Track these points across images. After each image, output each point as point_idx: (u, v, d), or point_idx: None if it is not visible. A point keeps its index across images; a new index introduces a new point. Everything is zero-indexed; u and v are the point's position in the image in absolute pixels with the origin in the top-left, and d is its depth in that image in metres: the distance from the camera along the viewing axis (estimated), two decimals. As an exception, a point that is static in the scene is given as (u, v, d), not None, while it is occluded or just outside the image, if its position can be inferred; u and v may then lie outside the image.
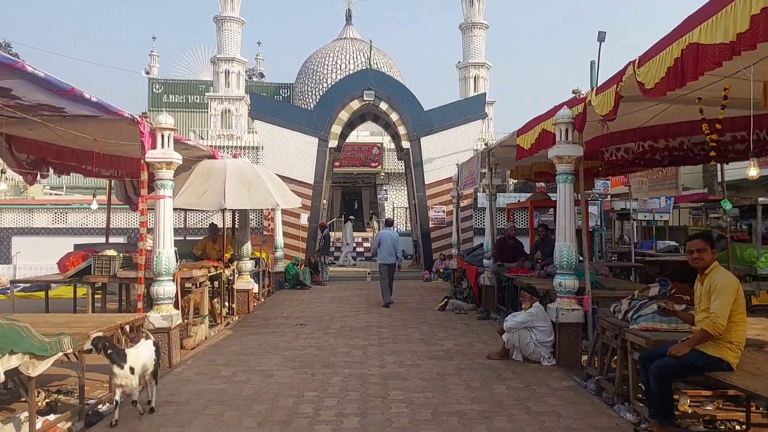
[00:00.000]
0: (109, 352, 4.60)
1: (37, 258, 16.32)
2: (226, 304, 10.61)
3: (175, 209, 9.14)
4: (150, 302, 6.87)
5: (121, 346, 5.00)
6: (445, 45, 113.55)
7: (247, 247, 10.87)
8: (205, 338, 8.57)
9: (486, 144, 10.53)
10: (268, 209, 16.75)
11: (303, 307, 11.62)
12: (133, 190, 10.64)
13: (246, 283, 10.85)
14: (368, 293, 13.68)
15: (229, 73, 31.15)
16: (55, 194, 24.94)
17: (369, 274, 17.11)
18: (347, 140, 24.05)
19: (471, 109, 17.31)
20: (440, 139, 17.15)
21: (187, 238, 13.54)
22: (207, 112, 31.30)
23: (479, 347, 7.72)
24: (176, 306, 7.81)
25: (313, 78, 32.10)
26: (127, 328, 6.04)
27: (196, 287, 8.66)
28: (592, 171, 11.62)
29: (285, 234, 16.47)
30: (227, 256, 10.08)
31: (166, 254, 6.67)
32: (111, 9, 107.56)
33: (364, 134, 28.60)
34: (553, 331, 6.80)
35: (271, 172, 10.34)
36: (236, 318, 10.39)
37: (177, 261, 8.34)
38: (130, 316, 6.27)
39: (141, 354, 4.91)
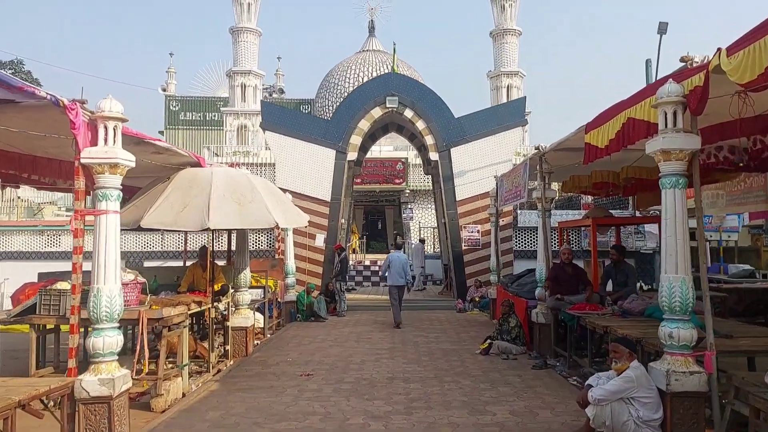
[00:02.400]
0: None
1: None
2: (220, 345, 8.69)
3: (147, 230, 7.32)
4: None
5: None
6: (474, 54, 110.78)
7: (246, 275, 8.96)
8: (183, 395, 6.63)
9: (539, 147, 8.47)
10: (278, 229, 14.88)
11: (314, 346, 9.62)
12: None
13: (244, 318, 8.91)
14: (392, 328, 11.61)
15: (245, 86, 29.69)
16: (68, 216, 23.56)
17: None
18: (369, 155, 22.25)
19: (509, 114, 15.28)
20: (473, 150, 15.13)
21: (187, 264, 11.70)
22: (223, 128, 29.88)
23: (545, 417, 5.61)
24: (142, 356, 5.95)
25: (334, 92, 30.46)
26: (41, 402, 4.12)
27: (169, 329, 6.73)
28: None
29: (299, 257, 14.57)
30: (216, 286, 8.16)
31: (108, 293, 4.76)
32: (128, 26, 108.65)
33: (388, 149, 26.74)
34: (661, 404, 4.67)
35: (271, 183, 8.48)
36: (231, 362, 8.44)
37: (147, 294, 6.51)
38: (49, 382, 4.36)
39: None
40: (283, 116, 15.58)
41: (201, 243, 15.33)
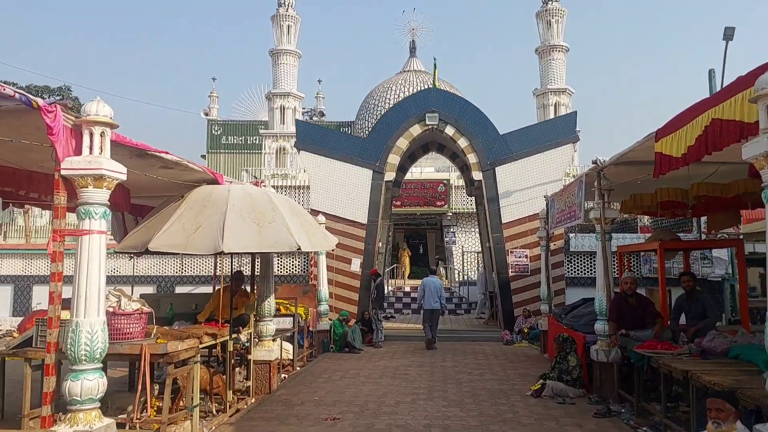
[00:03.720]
0: None
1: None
2: (242, 380, 7.92)
3: (156, 253, 6.65)
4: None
5: None
6: (519, 72, 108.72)
7: (270, 304, 8.19)
8: (193, 441, 5.85)
9: (596, 161, 7.47)
10: (312, 252, 14.16)
11: (344, 383, 8.73)
12: (134, 222, 8.21)
13: (267, 351, 8.11)
14: (432, 362, 10.62)
15: (284, 109, 29.48)
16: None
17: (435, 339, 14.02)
18: (409, 177, 21.44)
19: (559, 130, 14.21)
20: (520, 168, 14.10)
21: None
22: (262, 151, 29.73)
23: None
24: (143, 396, 5.22)
25: (374, 113, 29.93)
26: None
27: (176, 366, 5.98)
28: (743, 198, 8.32)
29: (335, 283, 13.77)
30: (237, 313, 7.40)
31: (89, 327, 4.04)
32: (172, 50, 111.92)
33: (429, 170, 25.86)
34: (777, 484, 3.58)
35: (294, 202, 7.69)
36: (252, 401, 7.64)
37: (154, 325, 5.80)
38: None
39: None
40: (318, 135, 14.96)
41: (238, 267, 14.84)
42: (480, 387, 8.34)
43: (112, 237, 8.40)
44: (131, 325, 5.73)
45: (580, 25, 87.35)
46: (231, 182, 7.21)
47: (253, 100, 36.39)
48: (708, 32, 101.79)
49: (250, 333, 7.85)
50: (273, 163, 28.88)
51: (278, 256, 15.38)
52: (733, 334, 6.75)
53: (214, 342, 6.46)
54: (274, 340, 8.70)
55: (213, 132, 33.81)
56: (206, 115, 35.17)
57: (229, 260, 12.98)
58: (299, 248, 6.40)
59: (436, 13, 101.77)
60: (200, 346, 6.19)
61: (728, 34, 12.19)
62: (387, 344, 12.83)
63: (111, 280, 14.87)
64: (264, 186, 8.31)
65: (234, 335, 7.23)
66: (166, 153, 5.54)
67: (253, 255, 8.27)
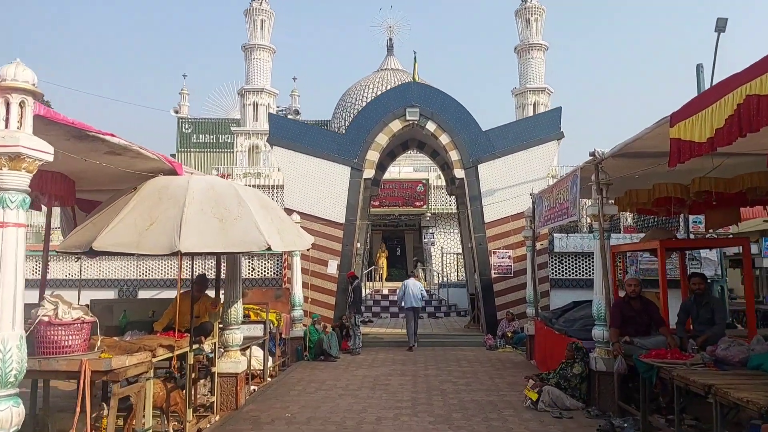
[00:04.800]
0: None
1: None
2: (206, 393, 7.12)
3: (106, 253, 5.82)
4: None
5: None
6: (498, 71, 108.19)
7: (237, 310, 7.40)
8: (143, 470, 5.05)
9: (594, 153, 6.89)
10: (285, 254, 13.36)
11: (320, 396, 7.98)
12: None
13: (233, 363, 7.33)
14: (414, 370, 9.93)
15: (257, 105, 28.55)
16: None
17: (415, 340, 13.34)
18: (387, 176, 20.77)
19: (543, 127, 13.67)
20: (504, 166, 13.54)
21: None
22: (234, 149, 28.74)
23: None
24: (82, 420, 4.43)
25: (351, 112, 29.18)
26: None
27: (123, 384, 5.17)
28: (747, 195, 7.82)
29: (310, 287, 12.98)
30: (199, 321, 6.60)
31: (1, 344, 3.23)
32: (141, 46, 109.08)
33: (407, 170, 25.24)
34: None
35: (266, 196, 6.92)
36: (216, 418, 6.85)
37: (98, 336, 5.01)
38: None
39: None
40: (292, 130, 14.17)
41: (202, 269, 13.88)
42: (468, 399, 7.67)
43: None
44: (70, 337, 4.92)
45: (561, 24, 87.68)
46: (192, 173, 6.42)
47: (225, 97, 35.43)
48: (690, 32, 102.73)
49: (215, 343, 7.05)
50: (246, 161, 27.94)
51: (249, 258, 14.54)
52: (747, 341, 6.22)
53: (170, 355, 5.65)
54: (243, 351, 7.94)
55: (183, 130, 32.67)
56: (176, 112, 34.05)
57: (198, 261, 12.09)
58: (269, 248, 5.65)
59: (414, 10, 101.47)
60: (153, 360, 5.39)
61: (720, 25, 11.77)
62: (365, 350, 12.12)
63: (60, 284, 13.88)
64: (231, 179, 7.52)
65: (196, 346, 6.42)
66: (112, 135, 4.75)
67: (218, 256, 7.46)
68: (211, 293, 7.28)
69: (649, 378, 5.82)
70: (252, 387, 8.49)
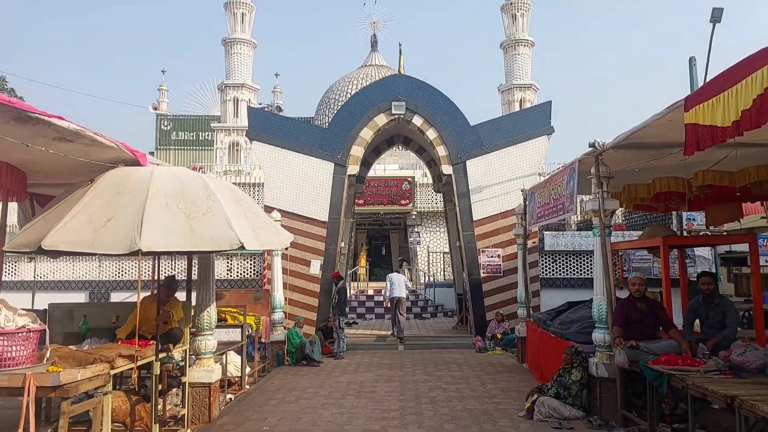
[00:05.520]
0: None
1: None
2: (178, 403, 6.54)
3: (60, 253, 5.20)
4: None
5: None
6: (484, 68, 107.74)
7: (210, 314, 6.82)
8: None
9: (595, 144, 6.44)
10: (265, 253, 12.78)
11: (301, 406, 7.42)
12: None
13: (206, 372, 6.75)
14: (401, 375, 9.41)
15: (238, 101, 27.84)
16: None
17: (401, 341, 12.85)
18: (372, 174, 20.27)
19: (533, 121, 13.24)
20: (492, 162, 13.08)
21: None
22: (214, 146, 27.99)
23: None
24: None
25: (334, 108, 28.56)
26: None
27: (75, 401, 4.57)
28: (751, 189, 7.41)
29: (292, 288, 12.41)
30: (167, 327, 6.01)
31: None
32: (119, 41, 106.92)
33: (393, 167, 24.71)
34: None
35: (238, 189, 6.33)
36: (187, 432, 6.27)
37: (47, 346, 4.42)
38: None
39: None
40: (273, 124, 13.57)
41: (178, 269, 13.19)
42: (459, 407, 7.17)
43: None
44: (14, 348, 4.33)
45: (547, 20, 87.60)
46: (158, 164, 5.84)
47: (205, 93, 34.60)
48: (681, 26, 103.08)
49: (185, 350, 6.46)
50: (226, 158, 27.20)
51: (225, 257, 13.94)
52: (756, 343, 5.81)
53: (131, 366, 5.06)
54: (218, 358, 7.36)
55: (162, 127, 31.81)
56: (155, 109, 33.19)
57: (167, 262, 11.35)
58: (242, 247, 5.09)
59: (398, 6, 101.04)
60: (112, 372, 4.80)
61: (716, 15, 11.41)
62: (349, 354, 11.58)
63: (22, 286, 13.15)
64: (203, 172, 6.93)
65: (163, 354, 5.84)
66: (60, 118, 4.17)
67: (189, 255, 6.86)
68: (182, 296, 6.70)
69: (658, 386, 5.36)
70: (228, 396, 7.92)
